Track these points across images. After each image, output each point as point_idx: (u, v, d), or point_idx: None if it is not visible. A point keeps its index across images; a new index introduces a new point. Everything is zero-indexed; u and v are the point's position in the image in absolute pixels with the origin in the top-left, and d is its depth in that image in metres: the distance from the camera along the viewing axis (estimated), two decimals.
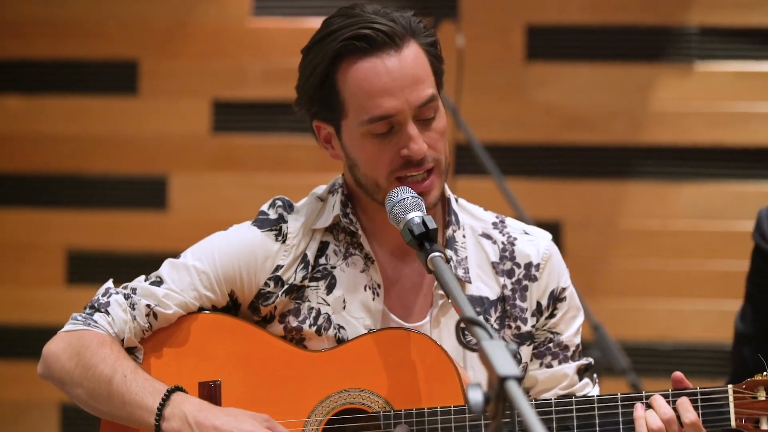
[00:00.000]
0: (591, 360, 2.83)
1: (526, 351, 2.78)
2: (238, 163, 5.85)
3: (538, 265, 2.80)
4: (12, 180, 5.98)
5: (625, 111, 5.69)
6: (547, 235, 2.87)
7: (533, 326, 2.79)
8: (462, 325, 2.72)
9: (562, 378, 2.78)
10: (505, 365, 1.95)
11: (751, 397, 2.57)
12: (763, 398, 2.57)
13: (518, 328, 2.77)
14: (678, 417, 2.59)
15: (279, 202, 2.82)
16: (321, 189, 2.85)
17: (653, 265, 5.64)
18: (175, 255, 2.84)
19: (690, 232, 5.65)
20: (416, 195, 2.59)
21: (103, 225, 5.90)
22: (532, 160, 5.72)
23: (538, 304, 2.79)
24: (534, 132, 5.72)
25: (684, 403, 2.60)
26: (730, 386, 2.58)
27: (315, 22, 5.80)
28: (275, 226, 2.78)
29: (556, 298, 2.80)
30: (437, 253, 2.45)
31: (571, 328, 2.81)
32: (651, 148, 5.67)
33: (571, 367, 2.79)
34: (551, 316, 2.80)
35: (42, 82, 5.97)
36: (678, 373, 2.65)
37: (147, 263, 2.88)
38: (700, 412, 2.59)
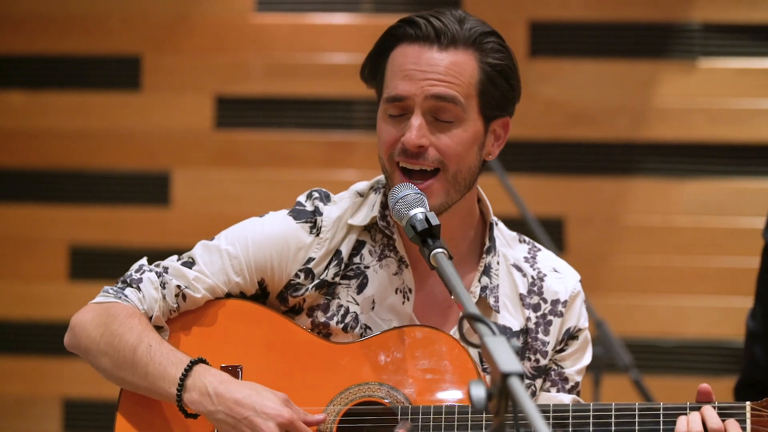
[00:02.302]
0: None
1: (540, 384, 2.79)
2: (240, 158, 5.86)
3: (565, 302, 2.80)
4: (15, 175, 5.99)
5: (628, 107, 5.69)
6: (576, 275, 2.85)
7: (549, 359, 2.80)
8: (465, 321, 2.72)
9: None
10: (508, 362, 1.95)
11: None
12: None
13: (537, 361, 2.77)
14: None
15: (316, 194, 2.82)
16: (362, 185, 2.84)
17: (656, 261, 5.64)
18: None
19: (692, 228, 5.65)
20: (419, 191, 2.58)
21: (106, 220, 5.90)
22: (535, 156, 5.72)
23: (557, 339, 2.79)
24: (537, 128, 5.72)
25: (708, 410, 2.59)
26: (748, 403, 2.58)
27: (317, 18, 5.86)
28: (310, 219, 2.77)
29: (570, 335, 2.80)
30: (440, 250, 2.44)
31: (576, 365, 2.81)
32: (654, 145, 5.67)
33: (567, 398, 2.79)
34: (561, 350, 2.80)
35: (45, 77, 5.97)
36: (705, 386, 2.63)
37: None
38: None
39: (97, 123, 5.93)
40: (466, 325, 2.67)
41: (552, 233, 5.36)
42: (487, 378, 2.71)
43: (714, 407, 2.59)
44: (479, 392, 1.94)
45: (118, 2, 5.93)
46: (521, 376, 1.93)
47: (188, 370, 2.63)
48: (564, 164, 5.71)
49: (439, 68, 2.63)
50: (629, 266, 5.65)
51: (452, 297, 2.67)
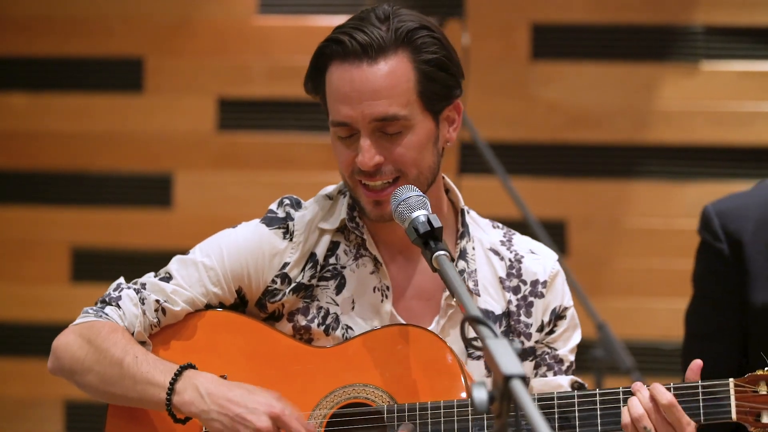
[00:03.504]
0: (583, 383, 2.84)
1: (528, 366, 2.80)
2: (242, 160, 5.86)
3: (545, 283, 2.81)
4: (17, 177, 5.99)
5: (630, 110, 5.69)
6: (554, 255, 2.87)
7: (535, 341, 2.80)
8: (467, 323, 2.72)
9: (557, 388, 2.79)
10: (510, 364, 1.96)
11: (752, 391, 2.57)
12: (764, 392, 2.58)
13: (521, 343, 2.79)
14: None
15: (287, 201, 2.83)
16: (330, 188, 2.86)
17: (657, 264, 5.64)
18: (180, 253, 2.85)
19: (694, 231, 5.63)
20: (421, 194, 2.59)
21: (108, 222, 5.91)
22: (536, 159, 5.72)
23: (542, 321, 2.81)
24: (539, 130, 5.72)
25: (657, 387, 2.63)
26: (731, 380, 2.59)
27: (320, 20, 5.86)
28: (282, 224, 2.79)
29: (557, 315, 2.82)
30: (442, 252, 2.45)
31: (567, 344, 2.83)
32: (655, 147, 5.68)
33: (565, 380, 2.80)
34: (551, 332, 2.82)
35: (46, 79, 5.98)
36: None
37: (152, 260, 2.89)
38: (701, 404, 2.60)
39: (99, 125, 5.93)
40: (468, 327, 2.67)
41: (553, 236, 5.36)
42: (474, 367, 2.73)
43: (697, 386, 2.60)
44: (481, 395, 1.94)
45: (119, 4, 5.93)
46: (524, 379, 1.93)
47: (178, 374, 2.65)
48: (565, 167, 5.71)
49: (373, 85, 2.62)
50: (630, 269, 5.66)
51: (454, 299, 2.69)
